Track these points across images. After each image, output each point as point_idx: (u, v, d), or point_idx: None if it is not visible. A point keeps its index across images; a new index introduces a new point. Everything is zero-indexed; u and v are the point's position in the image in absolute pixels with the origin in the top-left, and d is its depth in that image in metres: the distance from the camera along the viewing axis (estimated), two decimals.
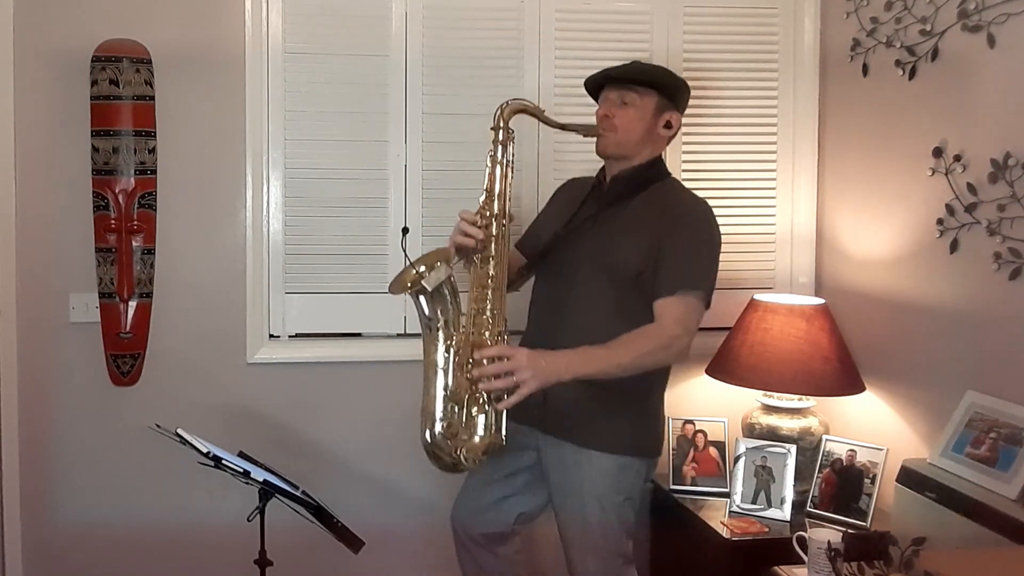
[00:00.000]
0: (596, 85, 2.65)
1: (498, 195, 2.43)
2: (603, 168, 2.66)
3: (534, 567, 2.82)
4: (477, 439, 2.39)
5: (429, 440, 2.43)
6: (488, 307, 2.40)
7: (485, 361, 2.33)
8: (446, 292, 2.44)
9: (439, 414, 2.41)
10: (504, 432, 2.41)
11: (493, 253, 2.42)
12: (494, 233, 2.42)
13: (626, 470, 2.53)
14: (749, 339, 3.01)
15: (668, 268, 2.44)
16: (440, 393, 2.41)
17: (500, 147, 2.46)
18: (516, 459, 2.63)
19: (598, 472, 2.51)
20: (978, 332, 2.62)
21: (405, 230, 2.53)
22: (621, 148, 2.56)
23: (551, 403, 2.47)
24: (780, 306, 3.04)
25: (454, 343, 2.41)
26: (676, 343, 2.41)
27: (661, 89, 2.56)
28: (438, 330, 2.43)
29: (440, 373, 2.42)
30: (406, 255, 2.42)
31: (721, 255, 2.52)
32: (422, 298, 2.44)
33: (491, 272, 2.41)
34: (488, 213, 2.43)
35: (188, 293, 3.08)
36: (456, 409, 2.40)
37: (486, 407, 2.39)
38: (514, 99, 2.50)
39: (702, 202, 2.59)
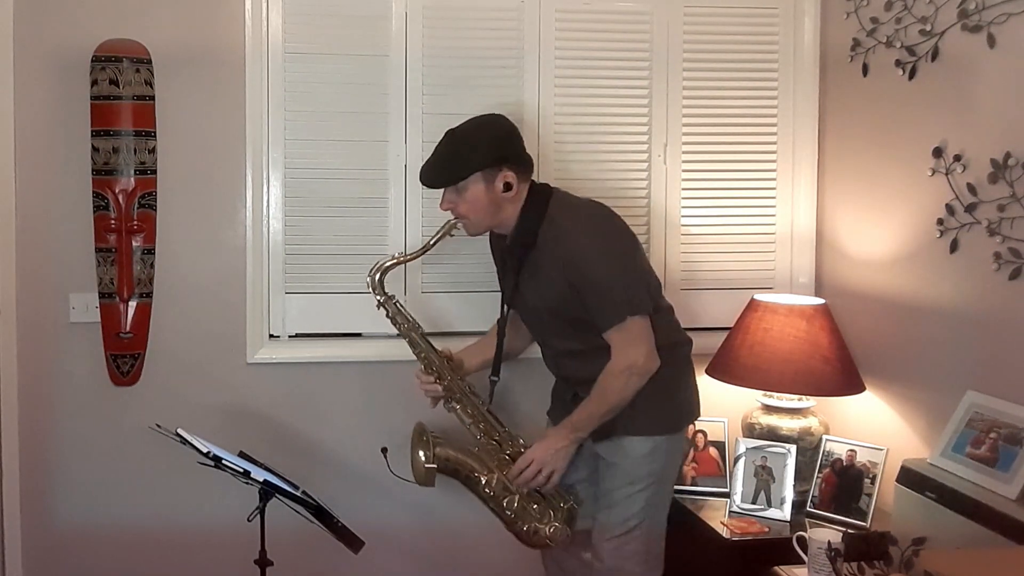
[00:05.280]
0: None
1: (425, 353, 2.75)
2: None
3: None
4: (554, 526, 2.70)
5: (527, 541, 2.74)
6: (491, 434, 2.73)
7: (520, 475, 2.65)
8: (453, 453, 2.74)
9: (520, 526, 2.71)
10: (573, 501, 2.73)
11: (458, 395, 2.74)
12: (446, 383, 2.73)
13: (655, 451, 2.64)
14: (749, 339, 3.01)
15: (594, 309, 2.55)
16: (509, 514, 2.71)
17: (394, 314, 2.76)
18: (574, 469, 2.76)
19: (623, 455, 2.64)
20: (978, 332, 2.62)
21: (384, 450, 2.88)
22: (483, 226, 2.66)
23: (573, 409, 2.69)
24: (780, 306, 3.04)
25: (487, 479, 2.70)
26: (636, 364, 2.56)
27: (476, 170, 2.56)
28: (477, 477, 2.71)
29: (499, 501, 2.71)
30: (393, 472, 2.86)
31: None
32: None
33: (469, 411, 2.74)
34: (433, 368, 2.74)
35: (188, 293, 3.07)
36: (525, 515, 2.70)
37: (541, 500, 2.71)
38: (373, 267, 2.74)
39: (587, 208, 2.64)
